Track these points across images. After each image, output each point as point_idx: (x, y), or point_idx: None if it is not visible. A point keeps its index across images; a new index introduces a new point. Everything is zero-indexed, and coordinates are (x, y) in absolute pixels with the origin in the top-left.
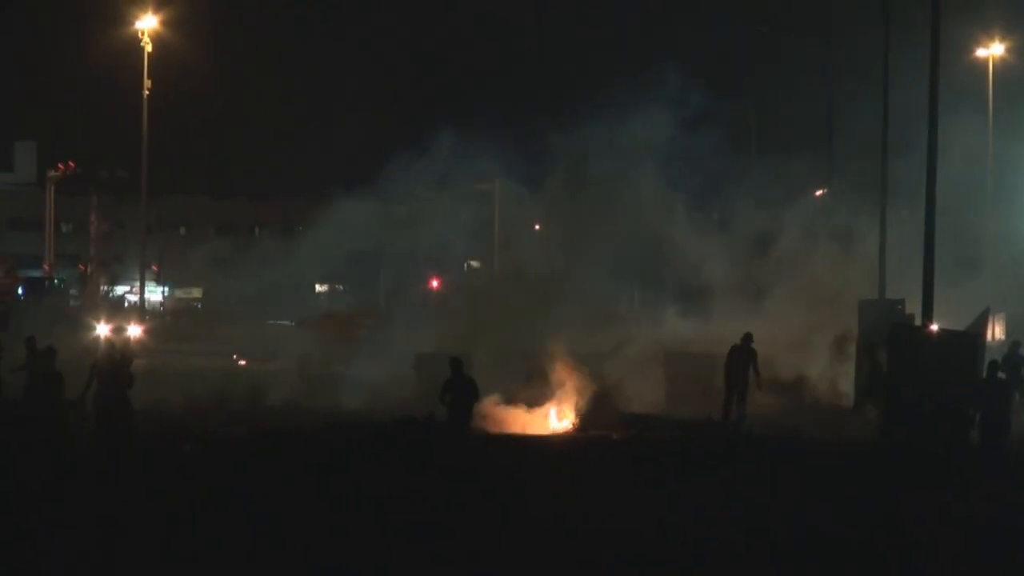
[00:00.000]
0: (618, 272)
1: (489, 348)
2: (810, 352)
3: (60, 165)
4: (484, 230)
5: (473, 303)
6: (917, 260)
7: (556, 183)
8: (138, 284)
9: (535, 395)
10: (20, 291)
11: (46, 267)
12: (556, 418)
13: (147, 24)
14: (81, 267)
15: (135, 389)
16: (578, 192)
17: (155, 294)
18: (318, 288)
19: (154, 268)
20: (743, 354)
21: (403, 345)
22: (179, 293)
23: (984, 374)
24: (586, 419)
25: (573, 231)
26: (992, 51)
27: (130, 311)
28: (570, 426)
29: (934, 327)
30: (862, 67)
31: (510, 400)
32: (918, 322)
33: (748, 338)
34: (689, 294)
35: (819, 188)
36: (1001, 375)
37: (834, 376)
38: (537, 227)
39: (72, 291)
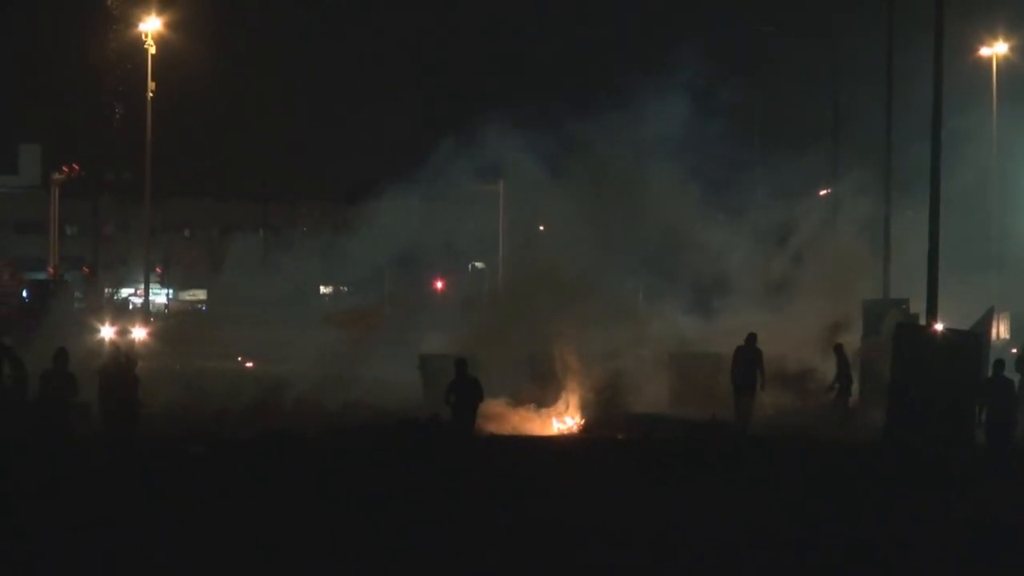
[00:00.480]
0: (631, 267)
1: (497, 348)
2: (821, 348)
3: (64, 168)
4: (489, 231)
5: (481, 304)
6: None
7: (571, 174)
8: (142, 286)
9: (541, 396)
10: (24, 294)
11: (51, 270)
12: (562, 419)
13: (151, 26)
14: (85, 270)
15: (141, 391)
16: (593, 183)
17: (159, 296)
18: (322, 290)
19: (158, 271)
20: (749, 354)
21: (411, 346)
22: (184, 295)
23: (990, 373)
24: (591, 420)
25: (586, 223)
26: (996, 49)
27: (134, 314)
28: (575, 427)
29: (938, 326)
30: (871, 60)
31: (516, 401)
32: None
33: (752, 338)
34: (702, 290)
35: (824, 187)
36: (1007, 375)
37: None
38: (542, 228)
39: (77, 294)
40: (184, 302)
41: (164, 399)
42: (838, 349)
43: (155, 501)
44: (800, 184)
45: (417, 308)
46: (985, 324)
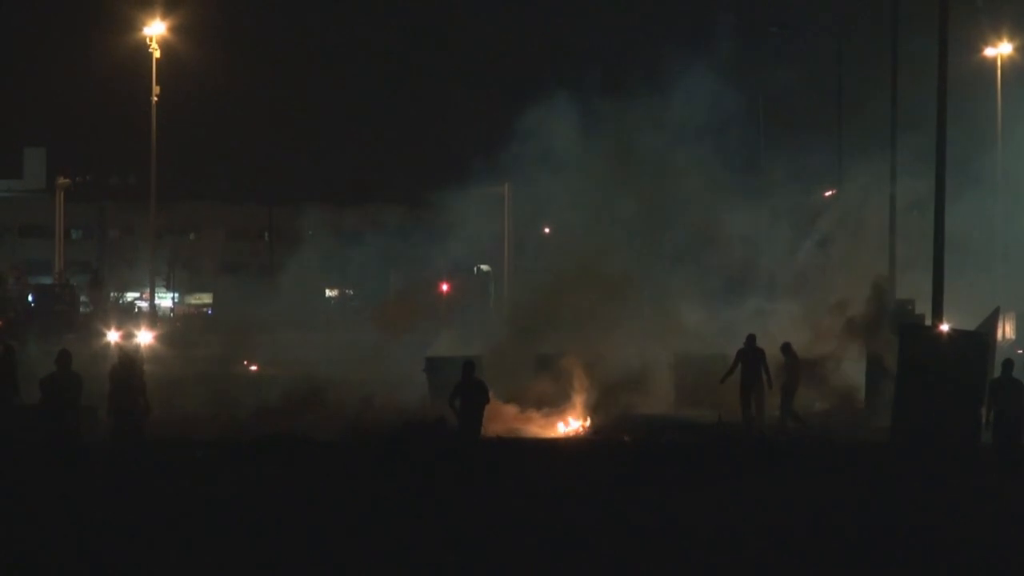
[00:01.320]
0: (650, 262)
1: (508, 350)
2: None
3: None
4: (494, 232)
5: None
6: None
7: (591, 162)
8: (148, 290)
9: (548, 398)
10: (30, 298)
11: (57, 274)
12: (568, 421)
13: (155, 30)
14: (91, 274)
15: (147, 394)
16: (620, 167)
17: (165, 300)
18: (328, 293)
19: (164, 272)
20: (751, 356)
21: (427, 347)
22: (190, 299)
23: (997, 374)
24: (599, 422)
25: (608, 211)
26: (1000, 50)
27: (140, 317)
28: (582, 429)
29: (944, 327)
30: (877, 54)
31: (523, 403)
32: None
33: (751, 339)
34: (713, 286)
35: (831, 185)
36: (1015, 376)
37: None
38: (547, 230)
39: (83, 298)
40: (190, 306)
41: (181, 404)
42: (786, 348)
43: (156, 503)
44: (807, 180)
45: (426, 309)
46: (991, 325)
